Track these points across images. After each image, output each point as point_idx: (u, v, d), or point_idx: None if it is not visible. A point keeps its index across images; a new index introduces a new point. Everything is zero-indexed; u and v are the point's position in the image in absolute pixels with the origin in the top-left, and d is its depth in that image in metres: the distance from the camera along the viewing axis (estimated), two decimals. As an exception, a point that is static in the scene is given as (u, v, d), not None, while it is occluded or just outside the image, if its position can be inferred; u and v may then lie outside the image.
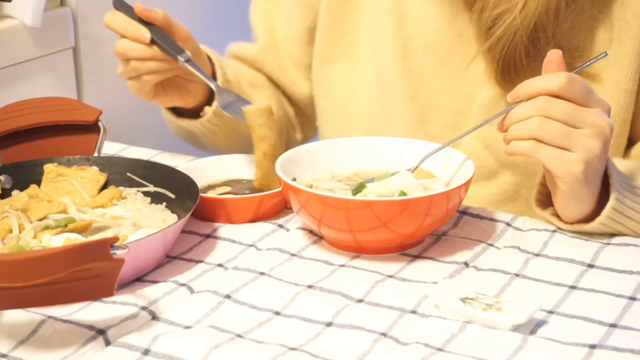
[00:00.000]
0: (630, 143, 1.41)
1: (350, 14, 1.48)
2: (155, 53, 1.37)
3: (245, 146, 1.52)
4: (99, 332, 1.04)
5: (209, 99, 1.48)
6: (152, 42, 1.37)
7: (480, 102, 1.40)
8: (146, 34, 1.36)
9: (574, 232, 1.24)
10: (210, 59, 1.49)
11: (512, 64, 1.34)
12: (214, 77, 1.47)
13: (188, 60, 1.37)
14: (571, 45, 1.34)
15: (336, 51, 1.50)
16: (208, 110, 1.47)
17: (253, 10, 1.61)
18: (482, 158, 1.40)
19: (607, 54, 1.23)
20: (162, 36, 1.38)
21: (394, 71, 1.44)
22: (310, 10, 1.53)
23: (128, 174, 1.31)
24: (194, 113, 1.49)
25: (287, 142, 1.64)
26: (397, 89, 1.44)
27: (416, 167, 1.26)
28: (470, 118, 1.41)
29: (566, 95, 1.16)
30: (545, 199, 1.27)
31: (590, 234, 1.24)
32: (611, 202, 1.20)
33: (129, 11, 1.39)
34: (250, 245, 1.23)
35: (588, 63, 1.24)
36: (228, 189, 1.34)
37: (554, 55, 1.19)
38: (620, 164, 1.28)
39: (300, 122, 1.65)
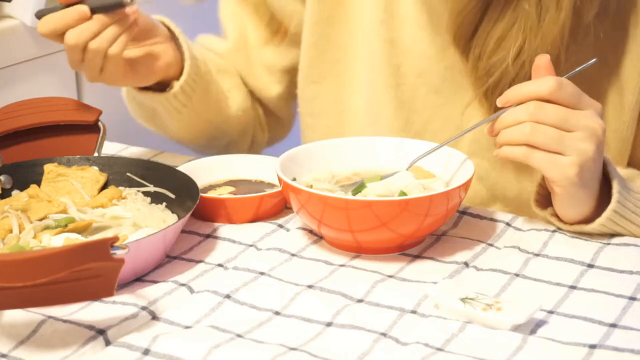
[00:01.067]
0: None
1: (338, 31, 1.45)
2: (103, 20, 1.29)
3: (210, 136, 1.49)
4: (99, 332, 1.04)
5: (178, 74, 1.43)
6: (93, 12, 1.29)
7: (472, 131, 1.39)
8: (82, 8, 1.28)
9: (573, 232, 1.24)
10: (173, 33, 1.43)
11: None
12: (181, 52, 1.42)
13: (132, 1, 1.29)
14: None
15: (323, 69, 1.47)
16: (175, 84, 1.42)
17: (222, 8, 1.57)
18: (474, 189, 1.40)
19: (596, 60, 1.23)
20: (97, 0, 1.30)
21: (386, 99, 1.42)
22: (293, 18, 1.50)
23: (128, 174, 1.31)
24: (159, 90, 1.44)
25: (252, 144, 1.60)
26: (389, 117, 1.42)
27: (410, 166, 1.26)
28: (461, 147, 1.40)
29: (557, 100, 1.16)
30: (544, 200, 1.27)
31: (590, 234, 1.24)
32: (612, 205, 1.20)
33: (52, 10, 1.32)
34: (250, 245, 1.23)
35: (578, 69, 1.23)
36: (231, 189, 1.34)
37: (542, 61, 1.19)
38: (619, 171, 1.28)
39: (268, 122, 1.62)
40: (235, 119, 1.54)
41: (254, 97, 1.59)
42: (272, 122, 1.62)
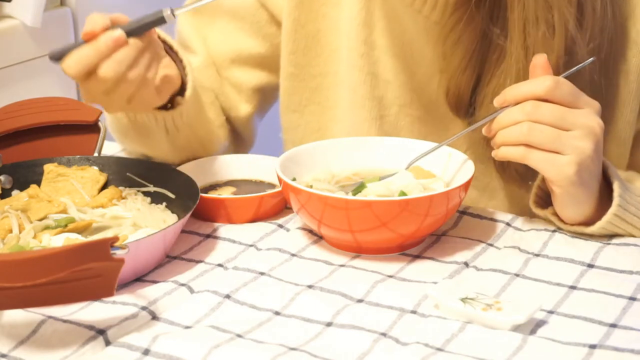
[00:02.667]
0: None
1: (315, 60, 1.43)
2: (139, 45, 1.16)
3: (193, 154, 1.38)
4: (99, 332, 1.04)
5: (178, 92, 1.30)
6: (128, 35, 1.15)
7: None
8: (117, 34, 1.14)
9: (574, 232, 1.24)
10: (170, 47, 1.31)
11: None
12: (183, 83, 1.28)
13: (171, 12, 1.17)
14: None
15: (302, 98, 1.45)
16: (182, 100, 1.28)
17: (182, 22, 1.47)
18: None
19: (594, 59, 1.23)
20: (129, 23, 1.16)
21: (370, 133, 1.40)
22: (266, 40, 1.45)
23: (128, 174, 1.31)
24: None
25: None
26: None
27: (409, 166, 1.26)
28: None
29: (554, 99, 1.15)
30: (543, 201, 1.26)
31: (590, 235, 1.24)
32: (613, 208, 1.20)
33: (69, 48, 1.16)
34: (250, 245, 1.23)
35: (575, 68, 1.22)
36: (233, 189, 1.34)
37: (539, 60, 1.18)
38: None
39: (232, 140, 1.53)
40: (215, 134, 1.45)
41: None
42: (235, 141, 1.54)
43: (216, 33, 1.46)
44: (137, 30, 1.16)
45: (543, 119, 1.15)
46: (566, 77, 1.19)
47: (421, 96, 1.38)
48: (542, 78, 1.16)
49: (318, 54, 1.43)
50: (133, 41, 1.16)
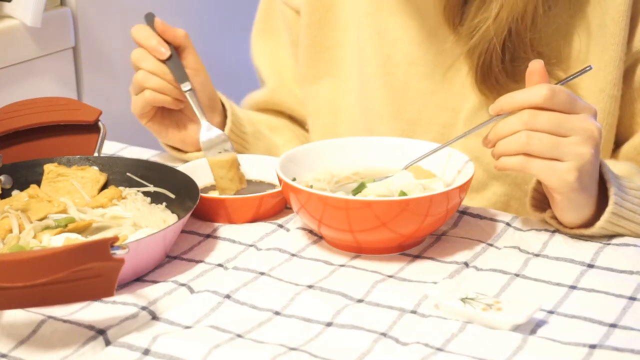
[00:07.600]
0: (617, 146, 1.41)
1: (329, 32, 1.48)
2: (164, 71, 1.36)
3: None
4: (99, 332, 1.04)
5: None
6: (167, 60, 1.36)
7: (466, 113, 1.39)
8: (165, 50, 1.36)
9: (574, 235, 1.24)
10: (223, 107, 1.46)
11: (491, 72, 1.33)
12: (223, 126, 1.45)
13: (189, 91, 1.36)
14: (551, 52, 1.33)
15: (318, 70, 1.49)
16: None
17: (255, 53, 1.59)
18: None
19: (591, 68, 1.22)
20: (176, 61, 1.37)
21: (377, 89, 1.43)
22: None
23: (128, 174, 1.31)
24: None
25: None
26: (380, 107, 1.44)
27: (408, 166, 1.26)
28: (456, 130, 1.40)
29: (551, 107, 1.15)
30: (540, 204, 1.26)
31: (591, 236, 1.24)
32: (610, 207, 1.19)
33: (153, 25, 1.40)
34: (250, 245, 1.24)
35: (572, 77, 1.22)
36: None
37: (536, 66, 1.18)
38: (615, 167, 1.27)
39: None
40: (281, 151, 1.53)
41: (306, 128, 1.59)
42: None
43: (283, 49, 1.56)
44: (169, 66, 1.36)
45: (540, 126, 1.14)
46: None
47: (429, 51, 1.40)
48: (538, 87, 1.16)
49: (331, 26, 1.47)
50: (163, 65, 1.36)
